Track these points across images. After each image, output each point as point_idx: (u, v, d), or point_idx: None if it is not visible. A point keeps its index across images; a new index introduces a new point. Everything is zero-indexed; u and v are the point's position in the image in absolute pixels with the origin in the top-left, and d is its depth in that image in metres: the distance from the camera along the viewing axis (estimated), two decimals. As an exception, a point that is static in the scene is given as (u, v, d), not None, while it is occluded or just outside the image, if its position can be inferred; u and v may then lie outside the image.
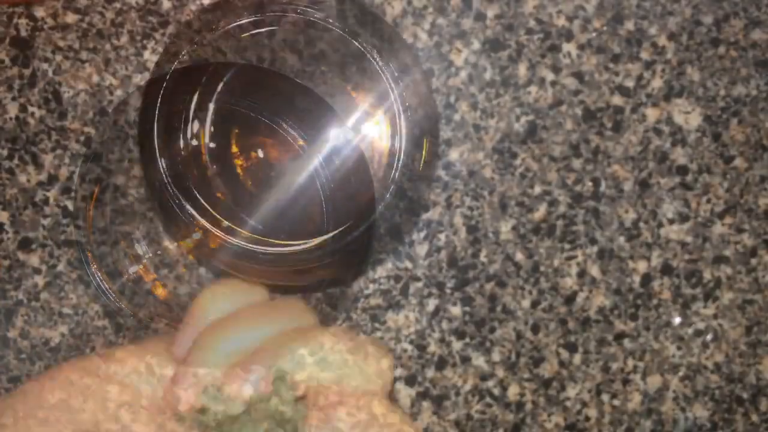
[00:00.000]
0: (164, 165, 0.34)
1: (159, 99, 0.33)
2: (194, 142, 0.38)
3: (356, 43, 0.33)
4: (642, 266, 0.41)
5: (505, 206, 0.41)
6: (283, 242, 0.34)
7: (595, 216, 0.41)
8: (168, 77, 0.33)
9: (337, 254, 0.34)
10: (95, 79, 0.42)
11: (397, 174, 0.33)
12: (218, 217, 0.36)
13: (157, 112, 0.33)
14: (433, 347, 0.42)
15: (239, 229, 0.35)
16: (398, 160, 0.33)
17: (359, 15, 0.34)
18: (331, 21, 0.32)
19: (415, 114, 0.33)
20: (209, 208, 0.35)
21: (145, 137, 0.34)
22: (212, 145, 0.38)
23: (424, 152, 0.34)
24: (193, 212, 0.34)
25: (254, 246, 0.34)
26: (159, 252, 0.42)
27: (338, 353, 0.27)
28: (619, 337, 0.42)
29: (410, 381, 0.42)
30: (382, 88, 0.33)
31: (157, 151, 0.33)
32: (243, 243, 0.34)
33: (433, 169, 0.41)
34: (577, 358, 0.42)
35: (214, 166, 0.39)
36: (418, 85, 0.34)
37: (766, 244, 0.41)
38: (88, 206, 0.42)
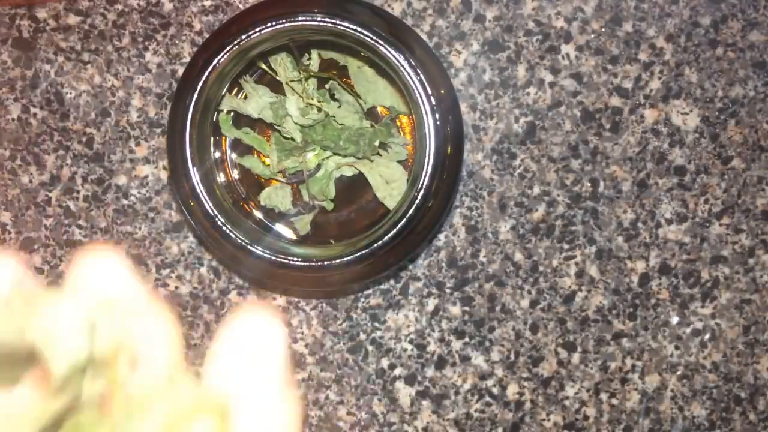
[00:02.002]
0: (196, 176, 0.34)
1: (191, 109, 0.33)
2: (217, 154, 0.38)
3: (391, 56, 0.33)
4: (640, 266, 0.42)
5: (504, 206, 0.41)
6: (316, 255, 0.34)
7: (593, 216, 0.41)
8: (201, 85, 0.33)
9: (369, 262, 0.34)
10: (97, 80, 0.42)
11: (424, 183, 0.33)
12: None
13: (189, 121, 0.33)
14: (432, 347, 0.42)
15: (274, 240, 0.36)
16: (425, 174, 0.33)
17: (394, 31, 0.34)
18: (366, 33, 0.32)
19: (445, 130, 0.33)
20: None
21: (175, 147, 0.34)
22: (233, 155, 0.38)
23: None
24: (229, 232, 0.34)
25: (289, 258, 0.34)
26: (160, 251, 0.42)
27: None
28: (618, 336, 0.42)
29: (410, 380, 0.42)
30: (415, 102, 0.33)
31: (189, 161, 0.34)
32: (274, 255, 0.34)
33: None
34: (576, 358, 0.42)
35: (236, 171, 0.39)
36: (446, 100, 0.34)
37: (764, 245, 0.42)
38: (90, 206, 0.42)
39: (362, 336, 0.42)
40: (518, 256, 0.42)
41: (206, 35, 0.41)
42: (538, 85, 0.41)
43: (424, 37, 0.41)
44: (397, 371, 0.42)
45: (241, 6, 0.41)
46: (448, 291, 0.42)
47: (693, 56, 0.41)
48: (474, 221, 0.41)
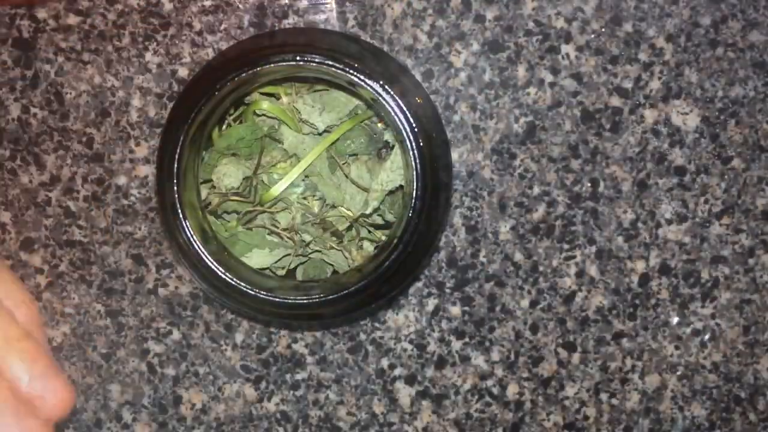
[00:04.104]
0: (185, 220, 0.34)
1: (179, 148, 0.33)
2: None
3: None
4: (640, 266, 0.42)
5: (504, 206, 0.41)
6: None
7: (593, 216, 0.41)
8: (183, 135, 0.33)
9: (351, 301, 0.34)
10: (97, 80, 0.42)
11: (412, 214, 0.33)
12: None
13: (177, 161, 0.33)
14: (432, 347, 0.42)
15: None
16: (414, 200, 0.33)
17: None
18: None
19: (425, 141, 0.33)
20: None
21: (164, 187, 0.33)
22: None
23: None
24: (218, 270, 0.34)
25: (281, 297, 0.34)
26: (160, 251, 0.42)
27: None
28: (618, 336, 0.42)
29: (410, 380, 0.42)
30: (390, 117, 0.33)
31: (179, 206, 0.33)
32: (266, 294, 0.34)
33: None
34: (576, 358, 0.42)
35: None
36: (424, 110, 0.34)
37: (764, 245, 0.42)
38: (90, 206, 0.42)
39: (362, 336, 0.42)
40: (518, 256, 0.42)
41: (206, 35, 0.41)
42: (538, 85, 0.41)
43: (424, 37, 0.41)
44: (397, 371, 0.42)
45: (240, 6, 0.41)
46: (448, 291, 0.42)
47: (693, 56, 0.41)
48: (474, 221, 0.42)
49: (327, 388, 0.43)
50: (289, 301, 0.34)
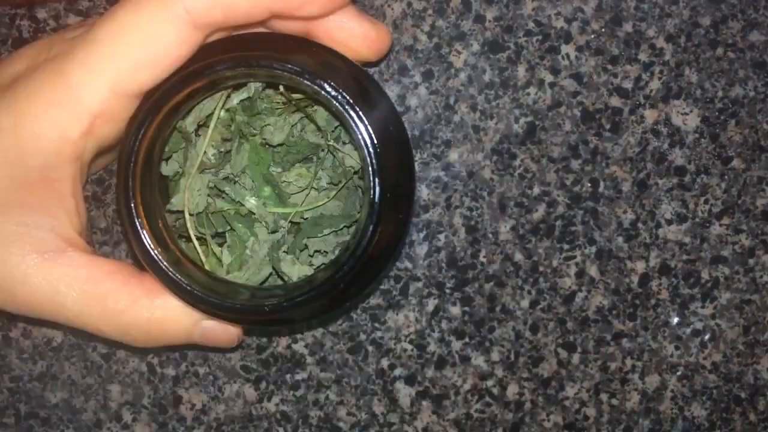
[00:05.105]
0: (148, 239, 0.33)
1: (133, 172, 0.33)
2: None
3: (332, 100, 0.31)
4: (640, 266, 0.42)
5: (504, 207, 0.41)
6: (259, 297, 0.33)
7: (593, 216, 0.41)
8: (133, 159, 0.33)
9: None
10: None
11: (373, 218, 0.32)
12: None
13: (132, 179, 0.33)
14: (432, 347, 0.42)
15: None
16: (374, 203, 0.32)
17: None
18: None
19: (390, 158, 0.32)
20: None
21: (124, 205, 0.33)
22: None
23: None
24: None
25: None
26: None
27: None
28: (618, 336, 0.42)
29: (410, 380, 0.42)
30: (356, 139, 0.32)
31: (138, 223, 0.33)
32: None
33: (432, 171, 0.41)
34: (576, 358, 0.42)
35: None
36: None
37: (764, 245, 0.42)
38: (90, 206, 0.42)
39: (362, 336, 0.42)
40: (518, 257, 0.42)
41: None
42: (538, 85, 0.41)
43: (424, 37, 0.41)
44: (397, 371, 0.42)
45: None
46: (448, 291, 0.42)
47: (693, 56, 0.41)
48: (474, 221, 0.42)
49: (327, 388, 0.43)
50: (238, 306, 0.32)
